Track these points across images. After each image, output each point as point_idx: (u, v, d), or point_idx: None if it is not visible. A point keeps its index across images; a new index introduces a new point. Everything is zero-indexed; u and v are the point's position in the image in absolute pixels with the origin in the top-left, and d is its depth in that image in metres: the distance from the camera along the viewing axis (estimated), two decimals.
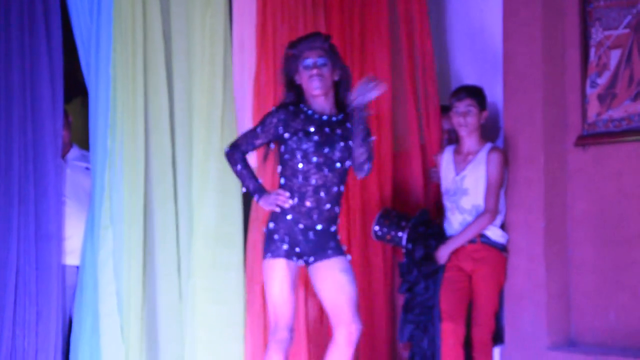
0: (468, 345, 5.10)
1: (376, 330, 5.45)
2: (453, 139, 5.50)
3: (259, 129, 4.56)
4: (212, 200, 5.26)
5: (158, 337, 5.28)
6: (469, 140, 5.23)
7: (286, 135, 4.49)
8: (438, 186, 5.40)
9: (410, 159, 5.60)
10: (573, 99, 5.18)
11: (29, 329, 5.05)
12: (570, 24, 5.21)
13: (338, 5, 5.53)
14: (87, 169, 5.40)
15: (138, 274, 5.13)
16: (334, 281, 4.50)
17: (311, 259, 4.54)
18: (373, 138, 4.54)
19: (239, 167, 4.59)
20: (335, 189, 4.49)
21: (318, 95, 4.51)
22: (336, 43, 5.39)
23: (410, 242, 5.23)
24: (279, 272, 4.46)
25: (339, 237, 4.60)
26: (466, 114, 5.18)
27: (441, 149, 5.50)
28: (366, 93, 4.35)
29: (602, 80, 5.08)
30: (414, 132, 5.59)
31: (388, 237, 5.27)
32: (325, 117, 4.53)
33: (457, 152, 5.29)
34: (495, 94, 5.48)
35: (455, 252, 5.15)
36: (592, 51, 5.13)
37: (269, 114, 4.58)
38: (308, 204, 4.47)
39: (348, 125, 4.53)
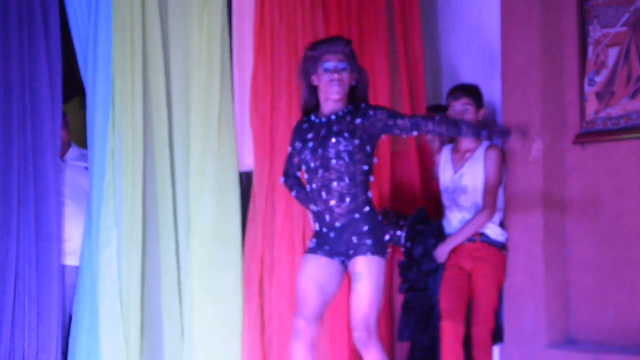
0: (468, 343, 5.11)
1: None
2: (446, 140, 5.50)
3: (290, 148, 4.65)
4: (210, 199, 5.27)
5: (158, 337, 5.29)
6: (467, 139, 5.23)
7: (298, 146, 4.56)
8: (437, 185, 5.40)
9: (408, 159, 5.60)
10: (571, 97, 5.18)
11: (29, 330, 5.05)
12: (569, 22, 5.20)
13: (336, 5, 5.53)
14: (87, 168, 5.39)
15: (138, 275, 5.13)
16: (352, 286, 4.43)
17: (343, 259, 4.48)
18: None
19: (294, 193, 4.68)
20: (335, 184, 4.41)
21: (336, 100, 4.48)
22: None
23: (409, 241, 5.23)
24: (304, 265, 4.48)
25: (366, 227, 4.39)
26: (463, 112, 5.18)
27: (434, 150, 5.50)
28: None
29: (601, 78, 5.08)
30: None
31: (387, 236, 5.26)
32: (324, 120, 4.50)
33: (455, 150, 5.30)
34: (493, 92, 5.48)
35: (454, 251, 5.16)
36: (590, 49, 5.13)
37: (293, 131, 4.66)
38: (319, 208, 4.46)
39: (349, 119, 4.47)
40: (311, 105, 4.57)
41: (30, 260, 5.06)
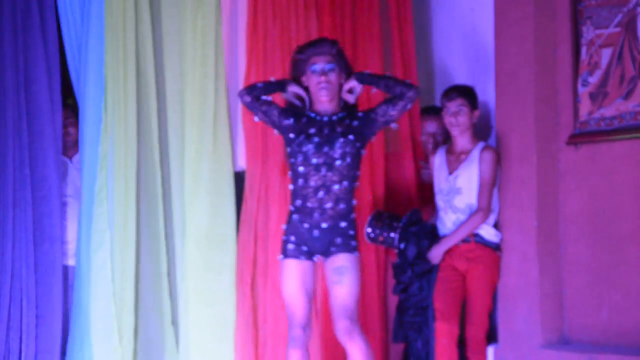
0: (462, 344, 5.11)
1: (370, 332, 5.44)
2: (439, 141, 5.50)
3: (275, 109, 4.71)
4: (204, 201, 5.27)
5: (152, 338, 5.29)
6: (462, 140, 5.23)
7: (292, 135, 4.63)
8: (431, 186, 5.40)
9: (402, 159, 5.60)
10: (565, 97, 5.18)
11: (27, 332, 5.03)
12: (562, 23, 5.20)
13: (329, 5, 5.53)
14: None
15: (131, 276, 5.13)
16: (329, 280, 4.61)
17: (319, 257, 4.65)
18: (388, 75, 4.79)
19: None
20: (336, 187, 4.59)
21: (324, 100, 4.65)
22: None
23: (403, 242, 5.23)
24: (287, 272, 4.63)
25: (352, 232, 4.66)
26: (457, 113, 5.18)
27: (427, 151, 5.50)
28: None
29: (594, 79, 5.09)
30: (405, 133, 5.58)
31: (380, 238, 5.27)
32: (326, 118, 4.67)
33: (449, 151, 5.29)
34: (486, 93, 5.48)
35: (449, 252, 5.16)
36: (584, 50, 5.13)
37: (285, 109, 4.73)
38: (309, 204, 4.59)
39: (347, 122, 4.66)
40: (305, 106, 4.70)
41: (28, 263, 5.04)
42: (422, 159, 5.57)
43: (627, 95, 4.95)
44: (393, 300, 5.43)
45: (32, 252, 5.08)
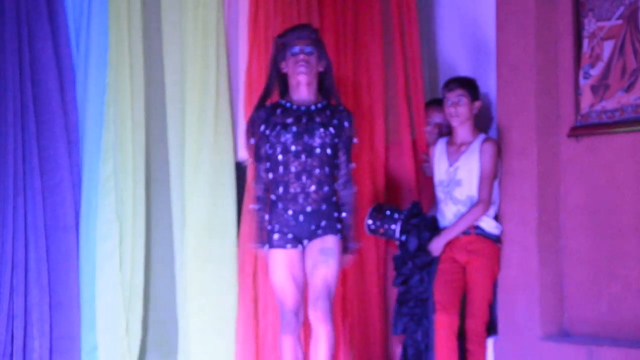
0: (462, 336, 5.11)
1: (370, 324, 5.46)
2: (444, 132, 5.50)
3: (252, 141, 4.79)
4: (205, 192, 5.27)
5: (161, 329, 5.31)
6: (462, 131, 5.23)
7: (267, 131, 4.72)
8: (430, 178, 5.40)
9: (402, 151, 5.60)
10: (566, 90, 5.18)
11: (40, 321, 5.01)
12: (563, 15, 5.20)
13: None
14: None
15: (140, 267, 5.14)
16: (311, 260, 4.68)
17: (305, 241, 4.72)
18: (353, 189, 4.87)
19: (257, 207, 4.83)
20: (317, 170, 4.69)
21: (303, 82, 4.72)
22: (329, 36, 5.44)
23: (404, 234, 5.24)
24: (275, 262, 4.71)
25: (336, 214, 4.76)
26: (457, 104, 5.19)
27: (431, 142, 5.50)
28: None
29: (595, 72, 5.08)
30: (405, 125, 5.59)
31: (381, 230, 5.27)
32: (303, 108, 4.75)
33: (450, 143, 5.29)
34: (488, 85, 5.48)
35: (449, 244, 5.16)
36: (585, 42, 5.13)
37: (250, 120, 4.81)
38: (292, 190, 4.68)
39: (328, 113, 4.76)
40: (272, 91, 4.81)
41: (39, 252, 5.03)
42: (425, 152, 5.56)
43: (629, 88, 4.95)
44: (393, 292, 5.43)
45: (44, 242, 5.06)
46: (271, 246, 4.72)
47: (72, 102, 5.20)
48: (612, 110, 5.01)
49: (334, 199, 4.78)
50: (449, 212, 5.21)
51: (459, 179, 5.18)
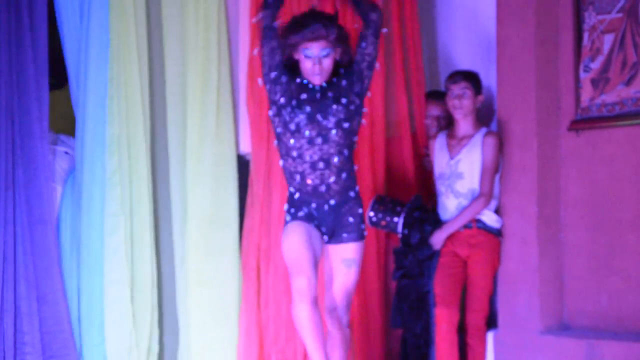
0: (462, 330, 5.13)
1: (370, 317, 5.47)
2: (443, 125, 5.50)
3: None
4: (207, 184, 5.28)
5: (171, 322, 5.33)
6: (464, 124, 5.23)
7: (282, 100, 4.38)
8: (430, 171, 5.41)
9: (402, 145, 5.61)
10: (566, 83, 5.18)
11: (29, 314, 5.01)
12: (564, 8, 5.20)
13: None
14: (67, 153, 5.35)
15: (147, 261, 5.15)
16: (336, 269, 4.50)
17: (326, 237, 4.47)
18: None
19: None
20: (335, 159, 4.35)
21: (316, 81, 4.39)
22: None
23: (406, 228, 5.23)
24: (293, 227, 4.37)
25: (360, 210, 4.47)
26: (461, 96, 5.19)
27: (430, 135, 5.51)
28: None
29: (596, 65, 5.08)
30: (405, 119, 5.59)
31: (383, 222, 5.27)
32: (317, 87, 4.40)
33: (450, 136, 5.29)
34: (489, 78, 5.48)
35: (450, 238, 5.17)
36: (586, 35, 5.13)
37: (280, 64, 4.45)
38: (309, 181, 4.38)
39: (335, 81, 4.42)
40: (277, 61, 4.41)
41: (25, 245, 5.03)
42: (425, 146, 5.56)
43: (629, 82, 4.95)
44: (393, 286, 5.43)
45: (29, 235, 5.04)
46: (294, 219, 4.41)
47: (45, 93, 5.09)
48: (612, 103, 5.01)
49: (357, 187, 4.49)
50: (450, 205, 5.21)
51: (460, 172, 5.19)
